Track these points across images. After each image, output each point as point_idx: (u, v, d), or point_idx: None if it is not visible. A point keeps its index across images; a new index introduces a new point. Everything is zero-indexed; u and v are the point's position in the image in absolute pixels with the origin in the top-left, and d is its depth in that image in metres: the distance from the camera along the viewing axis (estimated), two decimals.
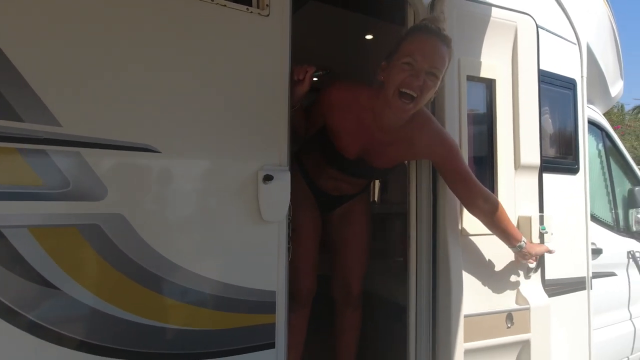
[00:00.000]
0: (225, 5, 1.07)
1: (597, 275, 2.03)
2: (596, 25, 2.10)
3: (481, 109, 1.53)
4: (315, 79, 1.29)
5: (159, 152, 0.99)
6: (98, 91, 0.94)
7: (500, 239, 1.43)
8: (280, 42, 1.15)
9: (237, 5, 1.09)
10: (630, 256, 2.39)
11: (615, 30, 2.29)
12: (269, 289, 1.13)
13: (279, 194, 1.11)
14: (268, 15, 1.13)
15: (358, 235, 1.64)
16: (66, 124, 0.89)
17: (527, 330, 1.48)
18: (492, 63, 1.51)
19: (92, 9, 0.94)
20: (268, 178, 1.07)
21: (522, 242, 1.42)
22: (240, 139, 1.10)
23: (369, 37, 2.21)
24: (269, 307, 1.13)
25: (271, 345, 1.13)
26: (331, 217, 1.66)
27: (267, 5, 1.12)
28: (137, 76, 0.99)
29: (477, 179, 1.36)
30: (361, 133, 1.34)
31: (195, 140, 1.05)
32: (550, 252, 1.50)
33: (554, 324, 1.57)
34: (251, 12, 1.11)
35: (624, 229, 2.48)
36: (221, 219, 1.08)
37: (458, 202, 1.42)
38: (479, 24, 1.49)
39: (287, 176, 1.13)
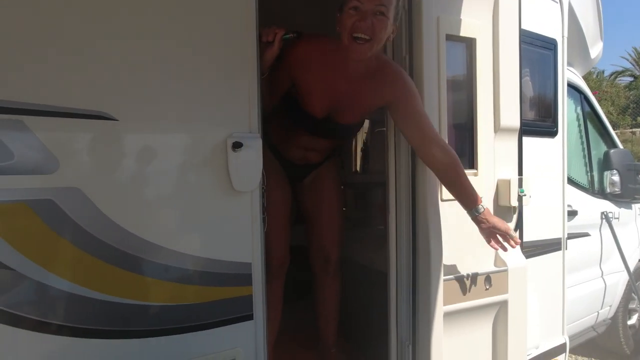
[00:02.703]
0: None
1: (571, 236, 2.08)
2: None
3: (461, 70, 1.48)
4: (289, 40, 1.22)
5: (116, 120, 0.91)
6: (43, 53, 0.85)
7: (457, 199, 1.35)
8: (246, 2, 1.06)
9: None
10: (603, 217, 2.46)
11: None
12: (245, 261, 1.09)
13: (250, 162, 1.05)
14: None
15: (329, 201, 1.62)
16: (5, 89, 0.80)
17: (505, 291, 1.51)
18: (472, 21, 1.45)
19: None
20: (237, 145, 1.01)
21: (480, 207, 1.32)
22: (206, 104, 1.02)
23: None
24: (246, 279, 1.10)
25: (249, 317, 1.11)
26: (301, 186, 1.63)
27: None
28: (90, 36, 0.89)
29: (433, 126, 1.32)
30: (328, 87, 1.32)
31: (157, 107, 0.97)
32: (513, 237, 1.36)
33: (531, 284, 1.60)
34: None
35: (599, 191, 2.54)
36: (190, 189, 1.02)
37: None
38: None
39: (259, 143, 1.07)
